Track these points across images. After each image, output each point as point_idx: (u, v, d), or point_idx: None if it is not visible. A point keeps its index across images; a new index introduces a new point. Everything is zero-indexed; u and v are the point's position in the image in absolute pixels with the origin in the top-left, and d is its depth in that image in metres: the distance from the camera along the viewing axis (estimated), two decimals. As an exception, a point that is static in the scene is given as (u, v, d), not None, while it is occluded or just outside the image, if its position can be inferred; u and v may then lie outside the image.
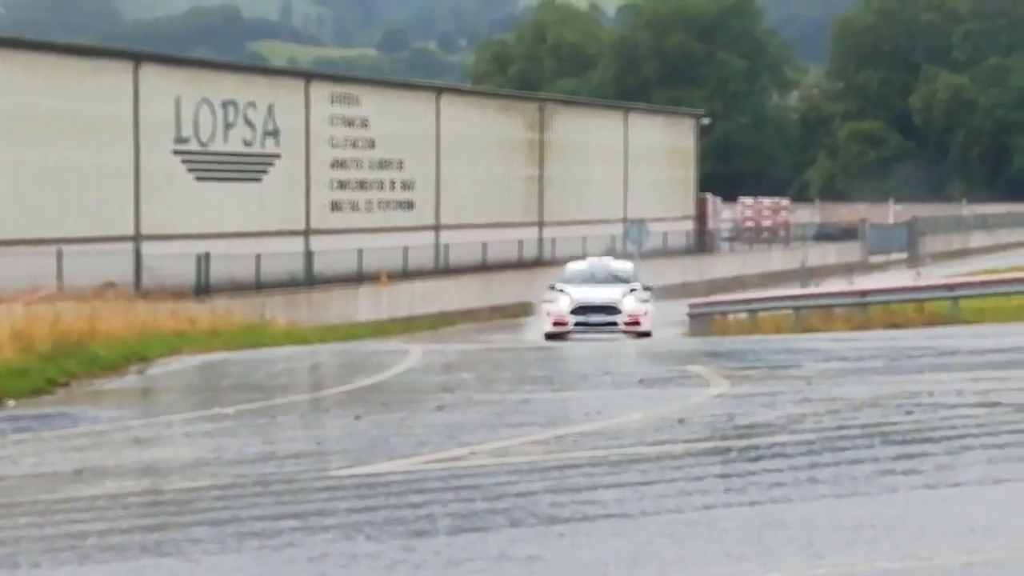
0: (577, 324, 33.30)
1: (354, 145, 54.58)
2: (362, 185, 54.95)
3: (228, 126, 48.67)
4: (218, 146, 48.14)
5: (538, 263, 59.94)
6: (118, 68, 44.77)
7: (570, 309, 33.49)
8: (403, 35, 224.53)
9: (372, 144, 55.31)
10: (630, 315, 33.41)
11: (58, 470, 11.96)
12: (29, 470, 12.04)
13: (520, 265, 59.14)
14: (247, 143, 49.50)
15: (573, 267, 37.02)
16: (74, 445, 13.55)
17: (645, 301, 34.00)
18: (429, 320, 49.12)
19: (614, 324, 33.27)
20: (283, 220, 50.48)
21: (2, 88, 40.45)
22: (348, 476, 11.01)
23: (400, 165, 56.84)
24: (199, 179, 47.30)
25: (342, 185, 54.04)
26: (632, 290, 34.24)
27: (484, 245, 57.31)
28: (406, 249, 52.86)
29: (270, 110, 50.33)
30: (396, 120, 56.55)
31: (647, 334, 32.97)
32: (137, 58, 46.08)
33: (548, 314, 34.05)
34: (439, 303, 52.00)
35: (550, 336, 33.29)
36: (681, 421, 13.57)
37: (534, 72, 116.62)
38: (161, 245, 43.72)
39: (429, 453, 12.07)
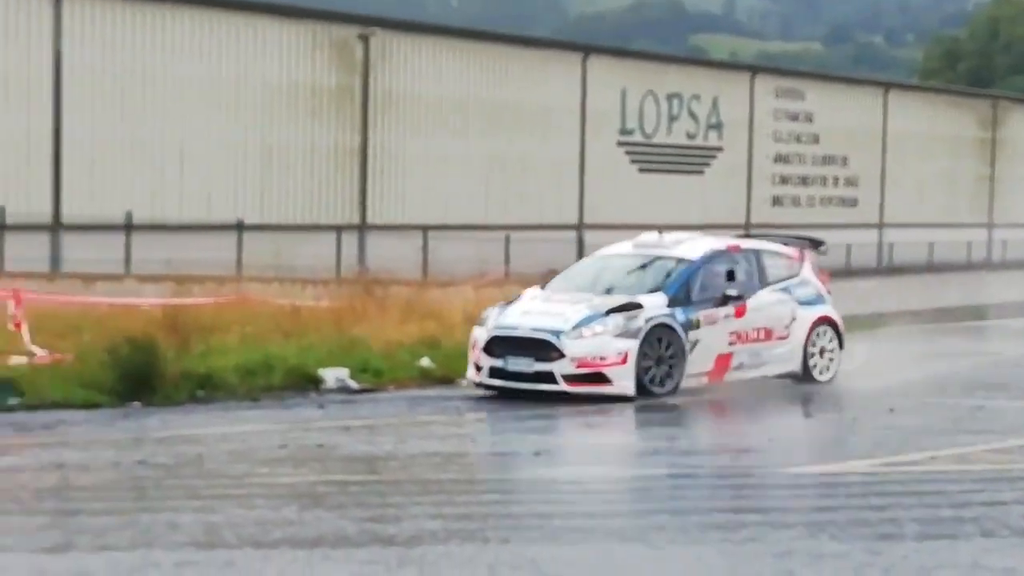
0: (492, 372, 16.75)
1: (797, 140, 54.03)
2: (804, 180, 54.35)
3: (672, 118, 48.98)
4: (661, 138, 48.51)
5: (987, 266, 57.86)
6: (567, 60, 45.70)
7: (484, 343, 17.03)
8: (848, 29, 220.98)
9: (816, 139, 54.63)
10: (580, 360, 16.19)
11: (516, 450, 12.23)
12: (490, 448, 12.37)
13: (968, 267, 57.16)
14: (690, 136, 49.71)
15: (606, 252, 19.65)
16: (530, 427, 13.85)
17: (626, 334, 16.35)
18: (868, 320, 48.03)
19: (547, 377, 16.28)
20: (724, 213, 50.40)
21: (456, 78, 41.91)
22: (805, 474, 10.88)
23: (844, 161, 55.92)
24: (642, 170, 47.79)
25: (784, 180, 53.60)
26: (628, 308, 16.64)
27: (931, 245, 55.74)
28: (848, 247, 51.95)
29: (714, 103, 50.36)
30: (841, 115, 55.64)
31: (626, 399, 15.99)
32: (585, 50, 46.94)
33: (472, 346, 17.30)
34: (880, 303, 50.83)
35: (477, 385, 17.09)
36: None
37: (986, 69, 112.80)
38: (603, 235, 44.28)
39: (886, 456, 11.81)
